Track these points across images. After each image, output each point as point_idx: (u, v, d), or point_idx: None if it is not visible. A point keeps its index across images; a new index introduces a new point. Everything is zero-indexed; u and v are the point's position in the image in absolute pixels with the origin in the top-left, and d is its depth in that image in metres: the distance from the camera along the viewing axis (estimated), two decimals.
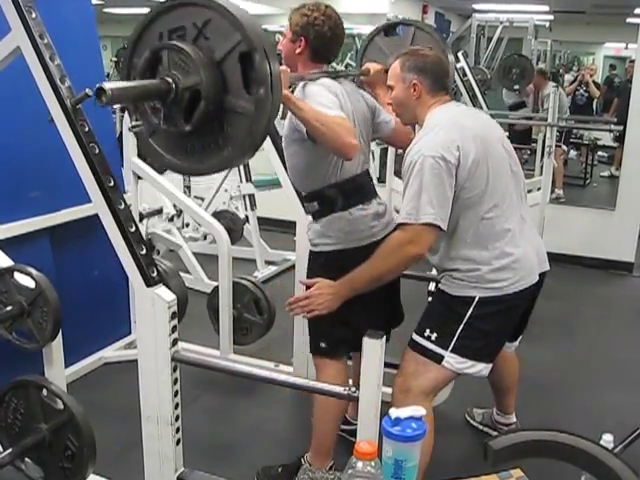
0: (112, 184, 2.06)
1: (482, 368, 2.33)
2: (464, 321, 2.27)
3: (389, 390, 2.30)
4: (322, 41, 2.45)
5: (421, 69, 2.34)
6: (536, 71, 7.91)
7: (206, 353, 3.62)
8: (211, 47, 1.66)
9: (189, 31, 1.69)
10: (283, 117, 2.49)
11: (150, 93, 1.68)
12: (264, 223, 5.54)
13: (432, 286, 2.82)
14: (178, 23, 1.70)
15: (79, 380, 3.39)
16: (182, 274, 3.75)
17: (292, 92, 2.26)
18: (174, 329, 2.04)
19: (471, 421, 3.20)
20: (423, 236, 2.18)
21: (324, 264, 2.50)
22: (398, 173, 5.64)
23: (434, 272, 2.61)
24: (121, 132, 3.67)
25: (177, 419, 2.14)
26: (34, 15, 2.12)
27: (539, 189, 5.35)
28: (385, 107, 2.63)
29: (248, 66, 1.63)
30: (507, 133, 6.83)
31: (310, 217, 2.57)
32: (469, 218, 2.25)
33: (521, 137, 7.36)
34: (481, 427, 3.15)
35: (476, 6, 8.13)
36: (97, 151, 2.06)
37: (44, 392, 2.32)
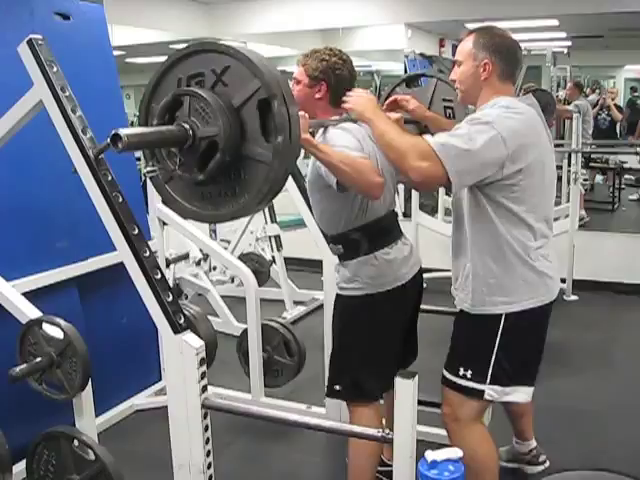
0: (136, 232, 2.06)
1: (525, 393, 2.30)
2: (496, 344, 2.22)
3: (424, 429, 2.26)
4: (343, 85, 2.44)
5: (495, 50, 2.21)
6: (572, 82, 7.92)
7: (237, 397, 3.59)
8: (230, 93, 1.65)
9: (208, 77, 1.69)
10: (306, 156, 2.50)
11: (167, 140, 1.67)
12: (291, 263, 5.53)
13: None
14: (197, 69, 1.70)
15: (111, 429, 3.38)
16: (211, 317, 3.74)
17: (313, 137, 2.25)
18: (203, 375, 2.01)
19: (500, 462, 3.10)
20: (431, 170, 2.06)
21: (352, 309, 2.51)
22: (423, 207, 5.63)
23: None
24: (145, 179, 3.70)
25: (209, 467, 2.11)
26: (55, 69, 2.16)
27: (567, 216, 5.30)
28: None
29: (266, 113, 1.61)
30: None
31: (336, 259, 2.57)
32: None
33: None
34: (509, 465, 3.05)
35: None
36: (121, 200, 2.07)
37: (75, 443, 2.31)
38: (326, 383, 2.64)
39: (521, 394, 2.29)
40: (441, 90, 2.87)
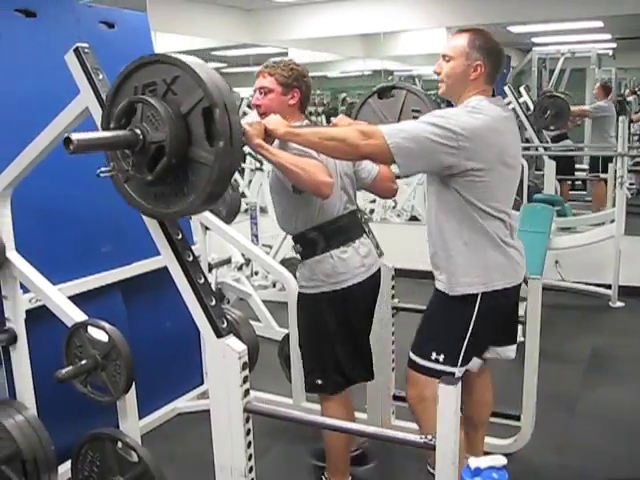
0: (180, 237, 2.08)
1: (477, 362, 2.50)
2: (470, 329, 2.31)
3: None
4: (310, 91, 2.63)
5: (489, 53, 2.33)
6: (600, 84, 7.82)
7: (278, 402, 3.60)
8: (178, 101, 1.78)
9: (160, 86, 1.82)
10: None
11: (117, 143, 1.80)
12: None
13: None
14: (151, 79, 1.84)
15: (153, 431, 3.40)
16: (252, 322, 3.75)
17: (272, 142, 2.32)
18: (245, 379, 2.03)
19: None
20: (375, 144, 2.16)
21: (314, 307, 2.64)
22: None
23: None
24: None
25: (251, 470, 2.12)
26: (101, 77, 2.20)
27: (612, 221, 5.20)
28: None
29: (210, 120, 1.74)
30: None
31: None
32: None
33: (564, 168, 7.20)
34: None
35: (535, 40, 8.06)
36: None
37: (119, 445, 2.34)
38: (304, 379, 2.78)
39: (476, 364, 2.46)
40: (411, 101, 2.93)
